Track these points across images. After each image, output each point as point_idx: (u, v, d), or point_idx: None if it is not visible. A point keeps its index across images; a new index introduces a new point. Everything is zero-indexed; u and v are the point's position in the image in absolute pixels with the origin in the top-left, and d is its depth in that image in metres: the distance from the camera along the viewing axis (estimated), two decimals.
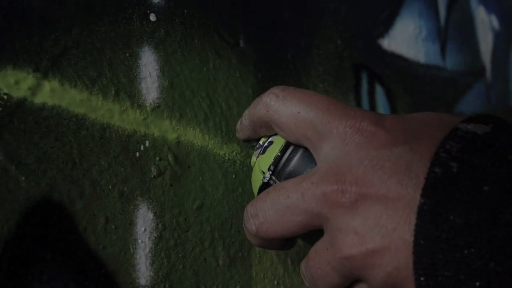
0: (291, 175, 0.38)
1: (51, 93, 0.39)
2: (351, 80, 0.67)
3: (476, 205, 0.29)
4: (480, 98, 0.98)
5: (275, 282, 0.53)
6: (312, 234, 0.37)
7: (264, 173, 0.40)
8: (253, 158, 0.43)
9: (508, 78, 1.09)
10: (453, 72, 0.89)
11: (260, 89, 0.54)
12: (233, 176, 0.50)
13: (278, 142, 0.40)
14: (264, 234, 0.38)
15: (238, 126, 0.45)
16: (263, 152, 0.41)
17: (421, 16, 0.81)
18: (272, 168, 0.39)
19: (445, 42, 0.87)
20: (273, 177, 0.39)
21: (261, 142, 0.42)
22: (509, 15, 1.10)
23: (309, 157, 0.38)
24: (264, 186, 0.40)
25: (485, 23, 1.01)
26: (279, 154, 0.39)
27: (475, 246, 0.29)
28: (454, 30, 0.90)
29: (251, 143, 0.45)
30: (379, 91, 0.72)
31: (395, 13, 0.77)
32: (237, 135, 0.45)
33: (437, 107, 0.84)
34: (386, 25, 0.75)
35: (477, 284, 0.29)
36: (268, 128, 0.41)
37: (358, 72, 0.68)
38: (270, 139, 0.41)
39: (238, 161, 0.51)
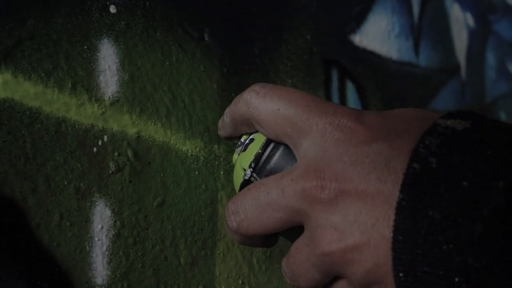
0: (272, 172, 0.39)
1: (3, 85, 0.38)
2: (321, 76, 0.66)
3: (455, 200, 0.29)
4: (455, 96, 0.98)
5: (240, 282, 0.52)
6: (293, 230, 0.37)
7: (245, 170, 0.40)
8: (235, 156, 0.43)
9: (484, 76, 1.09)
10: (427, 69, 0.89)
11: (225, 84, 0.53)
12: (196, 172, 0.49)
13: (259, 140, 0.40)
14: (244, 231, 0.38)
15: (219, 124, 0.45)
16: (244, 150, 0.41)
17: (394, 12, 0.81)
18: (253, 165, 0.40)
19: (418, 39, 0.87)
20: (254, 174, 0.40)
21: (242, 140, 0.43)
22: (484, 13, 1.11)
23: (289, 154, 0.39)
24: (245, 183, 0.40)
25: (460, 21, 1.01)
26: (260, 151, 0.40)
27: (454, 241, 0.29)
28: (428, 27, 0.90)
29: (232, 140, 0.45)
30: (350, 87, 0.71)
31: (367, 9, 0.77)
32: (219, 133, 0.45)
33: (410, 104, 0.84)
34: (358, 21, 0.75)
35: (456, 279, 0.29)
36: (249, 126, 0.41)
37: (328, 68, 0.68)
38: (251, 137, 0.42)
39: (201, 157, 0.50)
